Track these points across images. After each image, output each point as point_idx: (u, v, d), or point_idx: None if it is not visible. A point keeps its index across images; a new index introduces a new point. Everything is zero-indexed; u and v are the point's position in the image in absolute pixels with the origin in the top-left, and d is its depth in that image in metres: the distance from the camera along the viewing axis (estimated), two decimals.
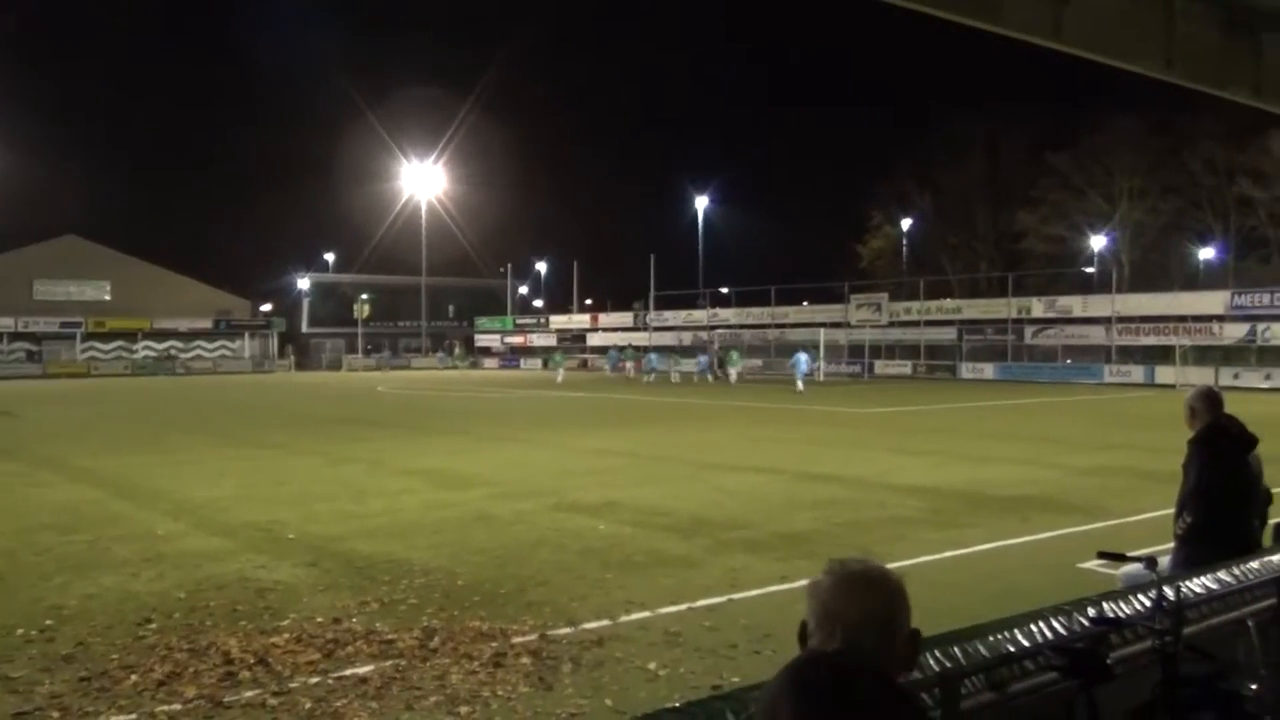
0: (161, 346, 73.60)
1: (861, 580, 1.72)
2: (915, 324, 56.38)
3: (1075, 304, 51.31)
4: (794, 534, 10.69)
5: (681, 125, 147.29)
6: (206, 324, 75.60)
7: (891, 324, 57.31)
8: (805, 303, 64.28)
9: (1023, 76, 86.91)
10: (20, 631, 7.14)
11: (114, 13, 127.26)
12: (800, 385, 37.90)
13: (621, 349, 58.63)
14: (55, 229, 74.73)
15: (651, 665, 6.32)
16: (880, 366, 55.67)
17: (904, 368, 55.07)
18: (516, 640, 6.80)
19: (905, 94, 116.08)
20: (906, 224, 73.69)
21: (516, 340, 79.89)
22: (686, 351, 60.30)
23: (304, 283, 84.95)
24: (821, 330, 54.17)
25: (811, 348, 47.20)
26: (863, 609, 1.70)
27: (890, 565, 7.71)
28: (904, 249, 74.71)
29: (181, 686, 5.92)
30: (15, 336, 68.08)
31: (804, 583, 7.38)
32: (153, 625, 7.27)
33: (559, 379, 49.52)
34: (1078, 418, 27.54)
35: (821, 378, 50.95)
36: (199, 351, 75.17)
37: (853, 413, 28.92)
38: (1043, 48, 6.66)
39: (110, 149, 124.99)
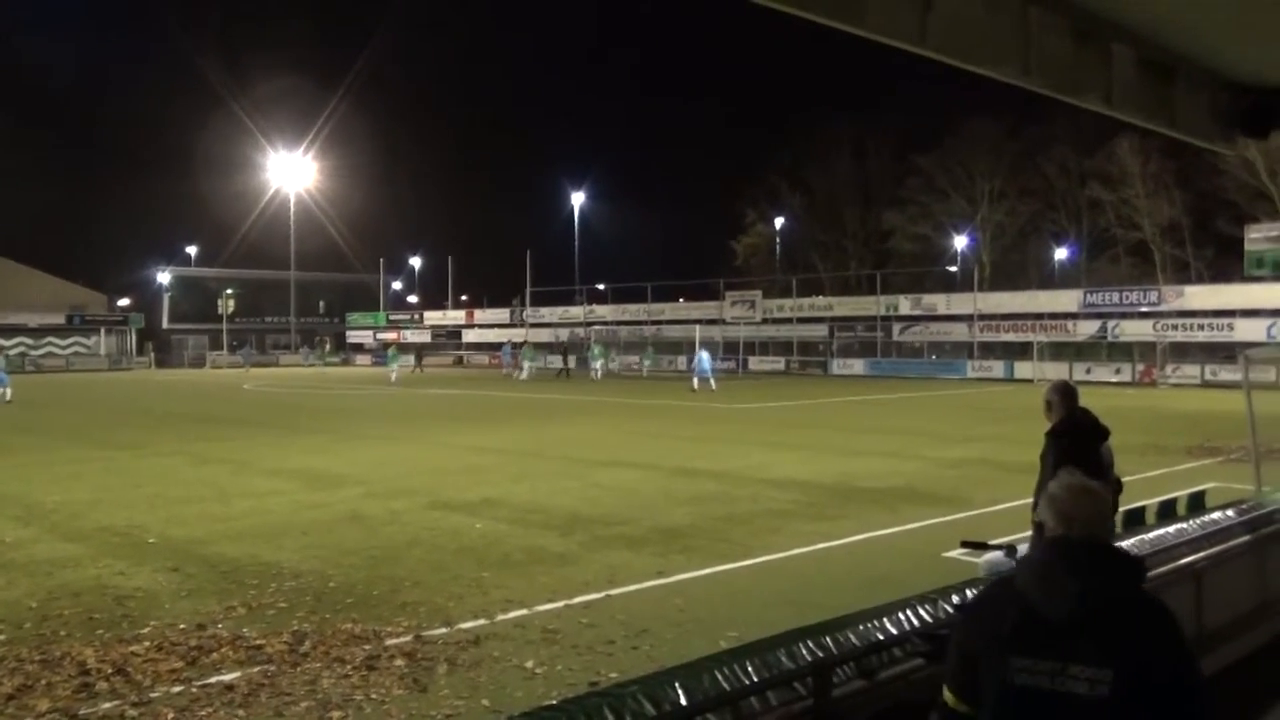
0: (9, 343, 69.83)
1: (1087, 489, 2.52)
2: (788, 321, 57.51)
3: (940, 302, 53.09)
4: (671, 529, 10.79)
5: (557, 121, 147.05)
6: (58, 319, 72.00)
7: (765, 321, 58.31)
8: (681, 299, 64.94)
9: (889, 79, 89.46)
10: None
11: None
12: (712, 383, 37.46)
13: (517, 345, 58.13)
14: None
15: (529, 664, 6.30)
16: (754, 362, 56.58)
17: (777, 364, 56.09)
18: (390, 642, 6.70)
19: (776, 93, 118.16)
20: (779, 222, 75.05)
21: (390, 336, 78.54)
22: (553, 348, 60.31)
23: (164, 277, 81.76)
24: (697, 327, 54.72)
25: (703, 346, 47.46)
26: (1093, 508, 2.48)
27: (765, 557, 7.89)
28: (777, 247, 76.07)
29: (33, 700, 5.66)
30: None
31: (681, 577, 7.42)
32: (1, 637, 6.93)
33: (393, 379, 45.45)
34: (942, 412, 28.52)
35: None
36: (50, 348, 71.56)
37: (727, 408, 29.33)
38: (907, 51, 6.85)
39: None
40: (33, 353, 70.14)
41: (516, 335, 66.31)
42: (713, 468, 15.74)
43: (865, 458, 17.07)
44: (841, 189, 71.25)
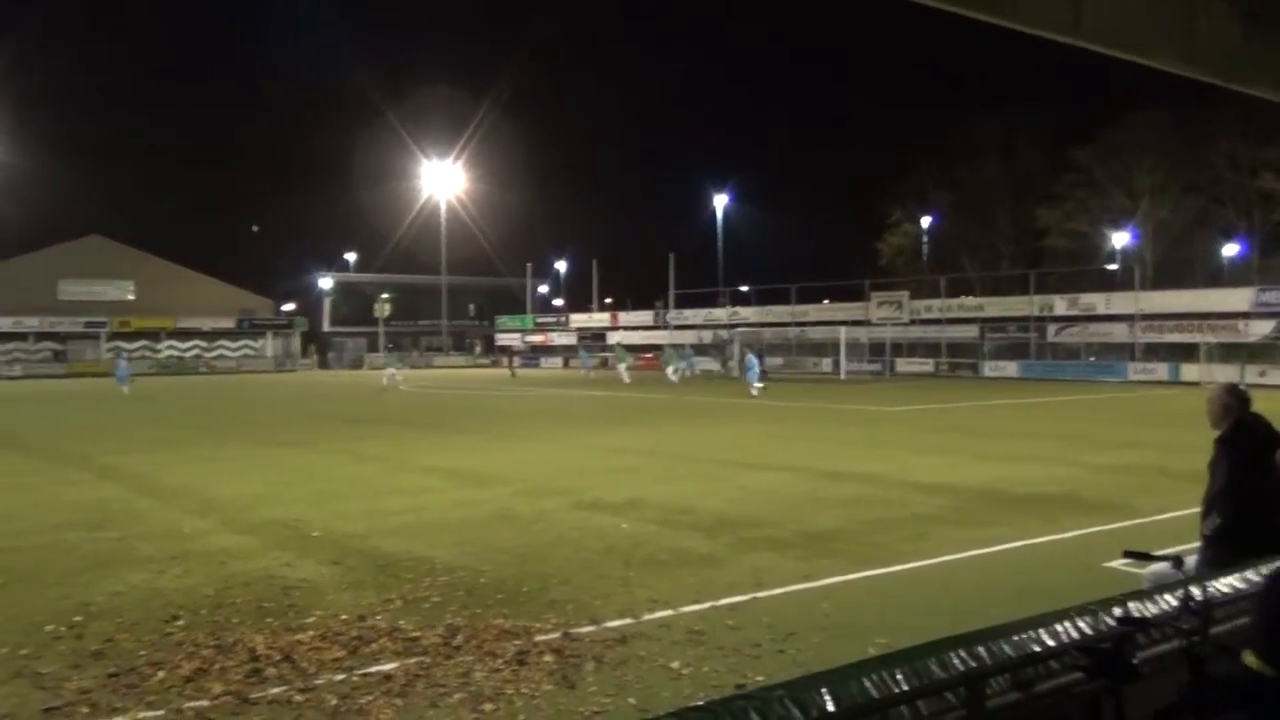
0: (185, 345, 74.14)
1: None
2: (937, 322, 56.14)
3: (1098, 301, 50.93)
4: (817, 532, 10.67)
5: (701, 123, 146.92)
6: (229, 323, 76.16)
7: (913, 322, 57.06)
8: (826, 300, 64.15)
9: (1041, 71, 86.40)
10: (49, 628, 7.23)
11: (135, 12, 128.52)
12: (754, 388, 35.85)
13: (589, 349, 59.16)
14: (80, 229, 75.54)
15: (675, 664, 6.32)
16: (902, 364, 55.43)
17: (926, 366, 54.81)
18: (539, 638, 6.81)
19: (922, 88, 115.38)
20: (926, 221, 73.33)
21: (537, 339, 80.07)
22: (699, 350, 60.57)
23: (325, 282, 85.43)
24: (842, 329, 54.00)
25: (755, 350, 46.43)
26: None
27: (914, 563, 7.74)
28: (924, 246, 74.32)
29: (208, 683, 5.97)
30: (41, 336, 68.83)
31: (828, 581, 7.30)
32: (180, 622, 7.33)
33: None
34: (1102, 415, 27.37)
35: (843, 375, 50.82)
36: (222, 351, 75.72)
37: (873, 411, 28.83)
38: (1060, 43, 6.62)
39: (134, 149, 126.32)
40: (206, 355, 74.39)
41: (660, 337, 66.69)
42: (858, 471, 15.50)
43: (1019, 463, 16.52)
44: (991, 186, 69.04)
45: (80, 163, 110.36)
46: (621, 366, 47.96)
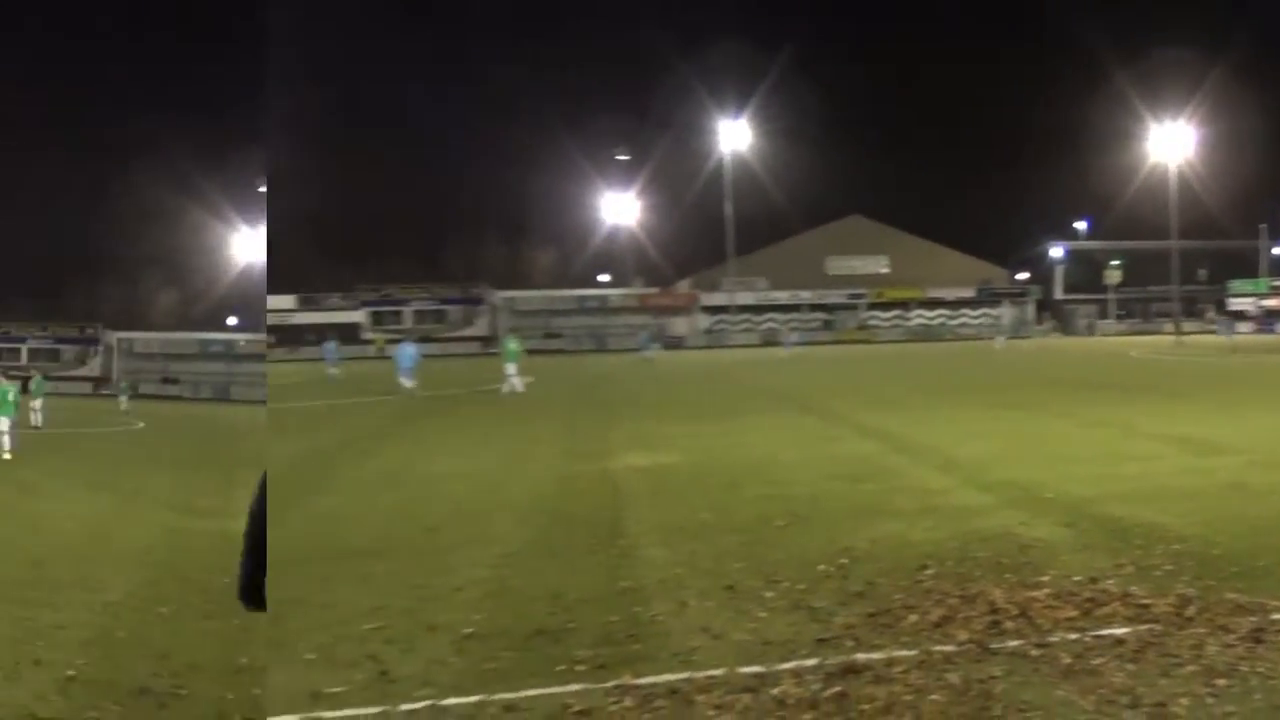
0: (932, 314, 76.92)
1: None
2: None
3: None
4: None
5: None
6: (969, 293, 77.23)
7: None
8: None
9: None
10: (821, 567, 7.76)
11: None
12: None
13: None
14: (842, 210, 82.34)
15: None
16: None
17: None
18: (1276, 616, 6.05)
19: None
20: None
21: (1272, 303, 68.47)
22: None
23: (1056, 251, 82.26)
24: None
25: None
26: None
27: None
28: None
29: (954, 629, 6.11)
30: (813, 307, 76.57)
31: None
32: (929, 571, 7.53)
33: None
34: None
35: None
36: (964, 319, 77.13)
37: None
38: None
39: (887, 133, 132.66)
40: (950, 323, 76.45)
41: None
42: None
43: None
44: None
45: (842, 150, 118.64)
46: None
